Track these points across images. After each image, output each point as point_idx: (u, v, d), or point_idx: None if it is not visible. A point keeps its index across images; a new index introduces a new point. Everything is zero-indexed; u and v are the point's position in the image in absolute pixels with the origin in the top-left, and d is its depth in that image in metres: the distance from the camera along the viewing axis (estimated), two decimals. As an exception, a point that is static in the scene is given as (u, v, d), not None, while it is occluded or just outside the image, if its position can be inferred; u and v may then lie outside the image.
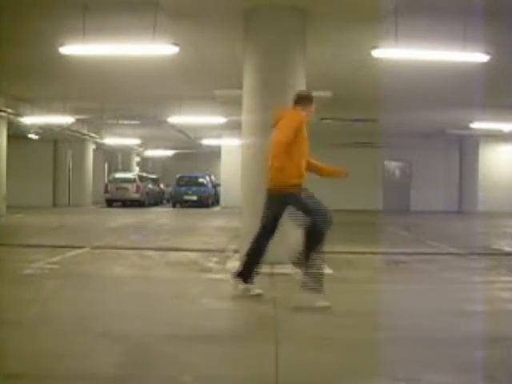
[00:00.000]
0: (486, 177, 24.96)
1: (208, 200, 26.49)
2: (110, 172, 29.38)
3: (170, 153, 34.36)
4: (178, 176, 27.44)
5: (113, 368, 3.31)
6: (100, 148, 27.00)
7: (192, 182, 26.97)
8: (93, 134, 23.37)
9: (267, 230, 5.22)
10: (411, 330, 4.27)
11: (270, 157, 5.10)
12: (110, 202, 25.31)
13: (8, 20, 8.75)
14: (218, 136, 24.80)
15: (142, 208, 24.60)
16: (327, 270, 6.87)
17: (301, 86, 7.65)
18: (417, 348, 3.80)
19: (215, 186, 28.81)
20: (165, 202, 30.38)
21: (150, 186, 27.72)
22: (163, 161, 38.65)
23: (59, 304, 5.07)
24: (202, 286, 6.10)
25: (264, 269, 6.80)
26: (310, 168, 5.40)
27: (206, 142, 26.41)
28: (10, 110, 16.63)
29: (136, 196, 25.35)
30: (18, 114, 17.17)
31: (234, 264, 7.50)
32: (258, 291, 5.28)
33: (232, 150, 23.99)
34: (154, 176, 30.50)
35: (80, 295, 5.46)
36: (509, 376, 3.34)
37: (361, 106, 15.90)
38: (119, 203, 25.43)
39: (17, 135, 20.82)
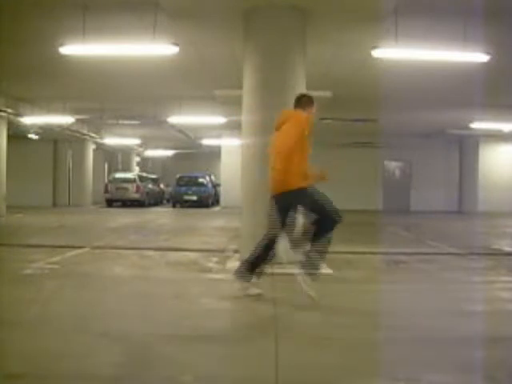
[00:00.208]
0: (486, 177, 24.96)
1: (208, 200, 26.49)
2: (110, 172, 29.38)
3: (170, 153, 34.36)
4: (177, 176, 27.44)
5: (113, 368, 3.31)
6: (100, 148, 27.00)
7: (192, 182, 26.97)
8: (93, 134, 23.37)
9: (275, 240, 5.16)
10: (411, 329, 4.27)
11: (277, 160, 5.05)
12: (110, 202, 25.31)
13: (8, 20, 8.75)
14: (218, 136, 24.80)
15: (142, 208, 24.60)
16: (327, 270, 6.89)
17: (301, 86, 7.65)
18: (417, 348, 3.80)
19: (215, 185, 28.81)
20: (165, 202, 30.38)
21: (150, 186, 27.73)
22: (163, 161, 38.66)
23: (59, 304, 5.07)
24: (202, 286, 6.10)
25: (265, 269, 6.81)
26: None
27: (205, 141, 26.42)
28: (9, 110, 16.63)
29: (136, 196, 25.36)
30: (18, 114, 17.18)
31: (234, 264, 7.51)
32: (257, 291, 5.28)
33: (232, 149, 23.99)
34: (154, 176, 30.50)
35: (80, 295, 5.46)
36: (509, 376, 3.34)
37: (361, 106, 15.90)
38: (119, 203, 25.43)
39: (17, 135, 20.83)
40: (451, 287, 6.19)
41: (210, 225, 15.05)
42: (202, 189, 26.86)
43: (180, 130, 22.06)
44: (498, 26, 8.40)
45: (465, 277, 6.96)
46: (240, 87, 7.99)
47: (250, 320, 4.61)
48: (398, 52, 8.32)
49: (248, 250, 7.53)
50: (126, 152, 32.05)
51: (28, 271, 6.63)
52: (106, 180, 27.24)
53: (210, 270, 7.02)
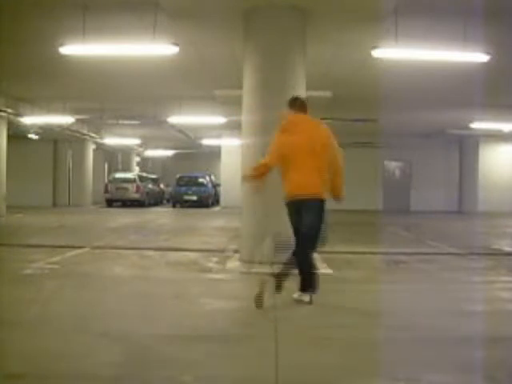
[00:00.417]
0: (486, 177, 24.96)
1: (208, 200, 26.48)
2: (110, 172, 29.38)
3: (170, 153, 34.36)
4: (177, 176, 27.44)
5: (113, 368, 3.31)
6: (100, 148, 27.00)
7: (192, 182, 26.97)
8: (93, 134, 23.37)
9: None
10: (411, 329, 4.27)
11: (317, 168, 5.06)
12: (110, 202, 25.31)
13: (8, 20, 8.75)
14: (218, 136, 24.80)
15: (142, 208, 24.60)
16: (327, 270, 6.89)
17: (301, 86, 7.66)
18: (417, 348, 3.80)
19: (215, 185, 28.80)
20: (165, 202, 30.37)
21: (150, 185, 27.72)
22: (163, 161, 38.66)
23: (59, 304, 5.07)
24: (202, 286, 6.10)
25: (264, 269, 6.81)
26: None
27: (206, 141, 26.42)
28: (10, 110, 16.63)
29: (136, 196, 25.35)
30: (18, 114, 17.17)
31: (234, 264, 7.52)
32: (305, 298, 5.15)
33: (232, 149, 23.98)
34: (154, 176, 30.50)
35: (80, 295, 5.46)
36: (509, 376, 3.34)
37: (361, 106, 15.90)
38: (119, 203, 25.43)
39: (17, 135, 20.82)
40: (451, 287, 6.19)
41: (210, 225, 15.05)
42: (202, 189, 26.85)
43: (180, 130, 22.06)
44: (498, 26, 8.40)
45: (465, 277, 6.97)
46: (240, 87, 7.99)
47: (250, 320, 4.61)
48: (398, 52, 8.32)
49: (248, 249, 7.57)
50: (126, 152, 32.05)
51: (28, 271, 6.63)
52: (106, 180, 27.23)
53: (210, 270, 7.02)
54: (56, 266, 7.08)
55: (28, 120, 17.68)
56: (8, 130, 17.76)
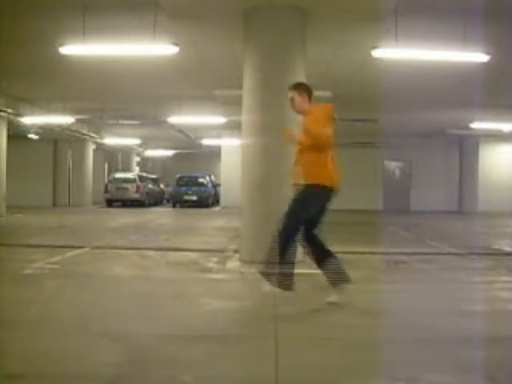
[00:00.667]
0: (486, 177, 24.96)
1: (208, 200, 26.49)
2: (110, 172, 29.39)
3: (170, 153, 34.37)
4: (178, 176, 27.45)
5: (113, 368, 3.31)
6: (100, 148, 27.01)
7: (192, 182, 26.98)
8: (93, 134, 23.37)
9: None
10: (411, 329, 4.27)
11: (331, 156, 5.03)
12: (110, 202, 25.31)
13: (8, 20, 8.76)
14: (218, 136, 24.80)
15: (142, 208, 24.60)
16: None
17: (301, 86, 7.64)
18: (417, 348, 3.80)
19: (215, 185, 28.81)
20: (165, 202, 30.38)
21: (150, 186, 27.73)
22: (163, 161, 38.66)
23: (59, 304, 5.07)
24: (202, 286, 6.10)
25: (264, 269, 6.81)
26: None
27: (206, 141, 26.42)
28: (10, 110, 16.63)
29: (136, 196, 25.36)
30: (18, 114, 17.18)
31: (234, 264, 7.52)
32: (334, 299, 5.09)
33: (232, 149, 23.98)
34: (154, 176, 30.51)
35: (80, 295, 5.46)
36: (509, 376, 3.34)
37: (361, 105, 15.90)
38: (119, 203, 25.43)
39: (17, 135, 20.83)
40: (451, 287, 6.19)
41: (210, 225, 15.05)
42: (202, 189, 26.86)
43: (180, 130, 22.06)
44: (498, 25, 8.40)
45: (465, 277, 6.96)
46: (240, 87, 7.99)
47: (249, 320, 4.61)
48: (398, 52, 8.32)
49: (248, 249, 7.57)
50: (126, 152, 32.05)
51: (28, 271, 6.63)
52: (106, 180, 27.24)
53: (210, 270, 7.02)
54: (56, 266, 7.07)
55: (28, 120, 17.68)
56: (8, 130, 17.76)
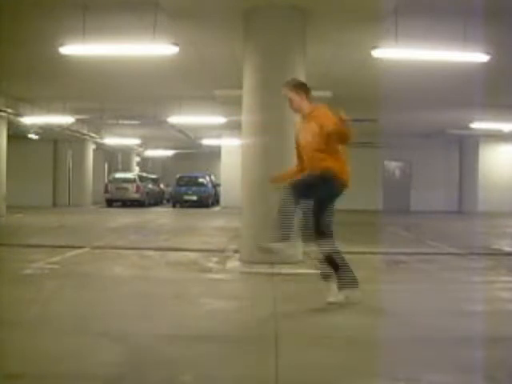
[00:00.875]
0: (486, 177, 24.96)
1: (208, 200, 26.49)
2: (110, 172, 29.39)
3: (170, 153, 34.37)
4: (178, 176, 27.45)
5: (113, 368, 3.31)
6: (100, 148, 27.01)
7: (192, 182, 26.98)
8: (93, 134, 23.38)
9: None
10: (411, 329, 4.27)
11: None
12: (110, 202, 25.32)
13: (8, 20, 8.76)
14: (218, 136, 24.80)
15: (142, 208, 24.60)
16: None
17: (301, 86, 7.64)
18: (417, 348, 3.80)
19: (215, 186, 28.81)
20: (165, 202, 30.38)
21: (150, 186, 27.73)
22: (163, 161, 38.66)
23: (59, 304, 5.07)
24: (202, 286, 6.10)
25: (264, 269, 6.82)
26: None
27: (206, 141, 26.42)
28: (10, 110, 16.63)
29: (136, 196, 25.36)
30: (18, 114, 17.18)
31: (234, 264, 7.52)
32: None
33: (232, 149, 23.98)
34: (154, 176, 30.51)
35: (80, 295, 5.46)
36: (509, 376, 3.33)
37: (361, 106, 15.88)
38: (119, 203, 25.43)
39: (17, 135, 20.83)
40: (451, 287, 6.19)
41: (210, 225, 15.05)
42: (202, 189, 26.86)
43: (180, 130, 22.06)
44: (498, 25, 8.40)
45: (465, 277, 6.96)
46: (240, 87, 7.99)
47: (250, 320, 4.61)
48: (398, 52, 8.32)
49: (248, 249, 7.57)
50: (126, 152, 32.05)
51: (28, 271, 6.63)
52: (106, 180, 27.25)
53: (210, 270, 7.02)
54: (56, 266, 7.07)
55: (28, 120, 17.68)
56: (8, 130, 17.77)
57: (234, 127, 18.48)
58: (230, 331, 4.25)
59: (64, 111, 17.06)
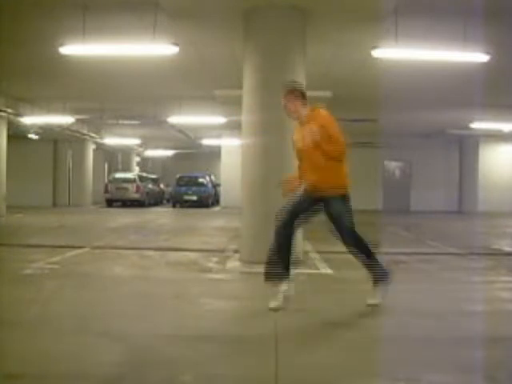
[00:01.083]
0: (486, 177, 24.96)
1: (208, 200, 26.49)
2: (110, 172, 29.39)
3: (170, 153, 34.37)
4: (178, 176, 27.45)
5: (113, 368, 3.31)
6: (100, 148, 27.01)
7: (192, 181, 26.98)
8: (93, 134, 23.38)
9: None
10: (411, 329, 4.27)
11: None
12: (110, 202, 25.32)
13: (8, 20, 8.76)
14: (218, 136, 24.80)
15: (142, 208, 24.60)
16: (327, 270, 6.90)
17: (301, 86, 7.65)
18: (417, 348, 3.80)
19: (215, 186, 28.82)
20: (165, 202, 30.39)
21: (150, 185, 27.73)
22: (163, 161, 38.67)
23: (59, 304, 5.07)
24: (202, 285, 6.10)
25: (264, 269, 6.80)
26: None
27: (206, 141, 26.42)
28: (10, 110, 16.63)
29: (136, 196, 25.36)
30: (18, 114, 17.18)
31: (234, 264, 7.51)
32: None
33: (232, 149, 23.99)
34: (154, 176, 30.51)
35: (80, 295, 5.46)
36: (509, 376, 3.34)
37: (361, 105, 15.90)
38: (119, 203, 25.44)
39: (17, 135, 20.83)
40: (451, 287, 6.19)
41: (210, 225, 15.05)
42: (202, 189, 26.87)
43: (180, 130, 22.06)
44: (498, 26, 8.40)
45: (465, 277, 6.96)
46: (240, 87, 7.99)
47: (250, 320, 4.61)
48: (398, 52, 8.32)
49: (248, 249, 7.57)
50: (126, 152, 32.05)
51: (28, 271, 6.63)
52: (106, 180, 27.25)
53: (210, 270, 7.02)
54: (56, 266, 7.07)
55: (28, 120, 17.68)
56: (8, 130, 17.77)
57: (234, 127, 18.49)
58: (230, 331, 4.25)
59: (64, 111, 17.07)
